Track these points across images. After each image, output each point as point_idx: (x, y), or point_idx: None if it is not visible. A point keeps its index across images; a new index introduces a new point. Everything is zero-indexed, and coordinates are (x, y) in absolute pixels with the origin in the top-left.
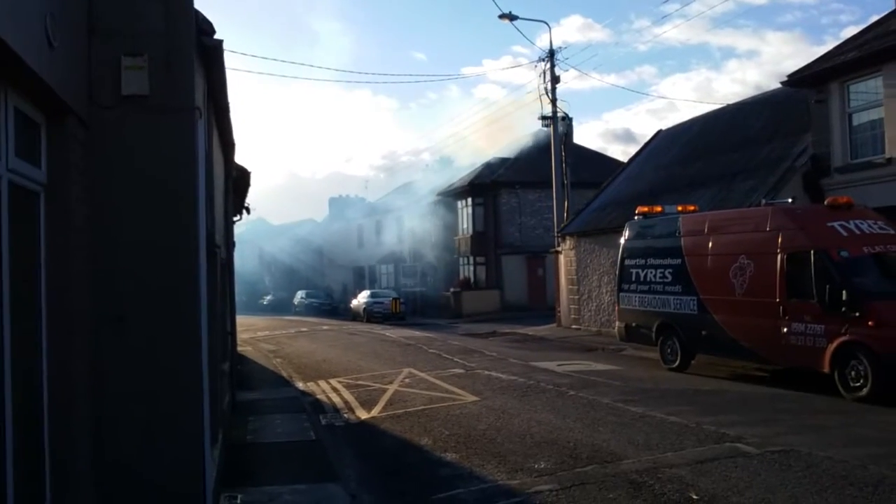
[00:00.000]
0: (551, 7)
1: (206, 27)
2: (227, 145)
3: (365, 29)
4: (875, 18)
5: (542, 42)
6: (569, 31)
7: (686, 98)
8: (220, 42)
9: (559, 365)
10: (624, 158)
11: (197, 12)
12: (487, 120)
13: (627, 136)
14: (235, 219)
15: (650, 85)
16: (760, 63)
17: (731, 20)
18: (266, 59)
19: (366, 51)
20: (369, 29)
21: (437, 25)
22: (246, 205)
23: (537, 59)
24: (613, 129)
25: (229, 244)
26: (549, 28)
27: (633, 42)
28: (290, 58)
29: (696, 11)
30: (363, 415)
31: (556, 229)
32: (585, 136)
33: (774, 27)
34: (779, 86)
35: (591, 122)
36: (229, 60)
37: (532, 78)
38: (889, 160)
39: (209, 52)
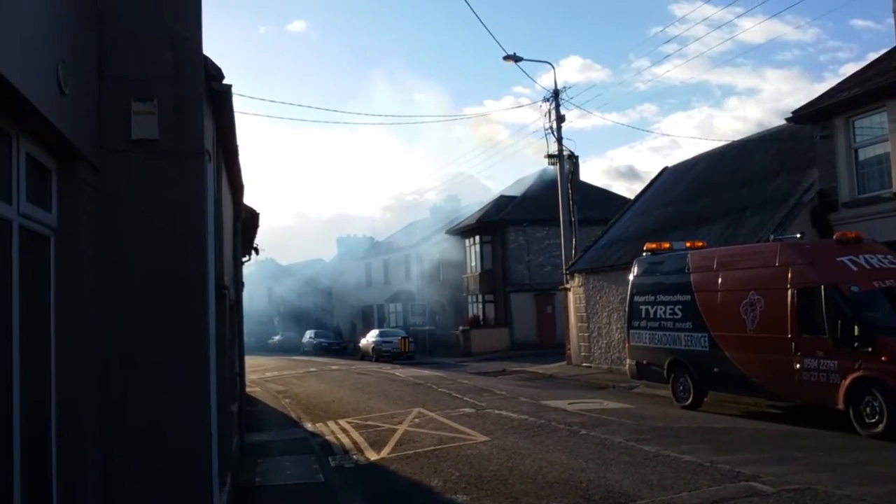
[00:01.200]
0: (550, 48)
1: (214, 73)
2: (236, 187)
3: (365, 68)
4: (873, 55)
5: (543, 82)
6: (568, 71)
7: (689, 136)
8: (228, 87)
9: (570, 403)
10: (628, 195)
11: (206, 58)
12: (492, 159)
13: (631, 174)
14: (244, 259)
15: (652, 123)
16: (761, 100)
17: (729, 59)
18: (272, 101)
19: (367, 92)
20: (369, 68)
21: (438, 67)
22: (254, 245)
23: (542, 98)
24: (617, 166)
25: (238, 285)
26: (554, 69)
27: (633, 82)
28: (294, 100)
29: (695, 51)
30: (372, 456)
31: (564, 266)
32: (589, 173)
33: (773, 65)
34: (781, 122)
35: (594, 159)
36: (236, 103)
37: (535, 117)
38: None
39: (218, 97)
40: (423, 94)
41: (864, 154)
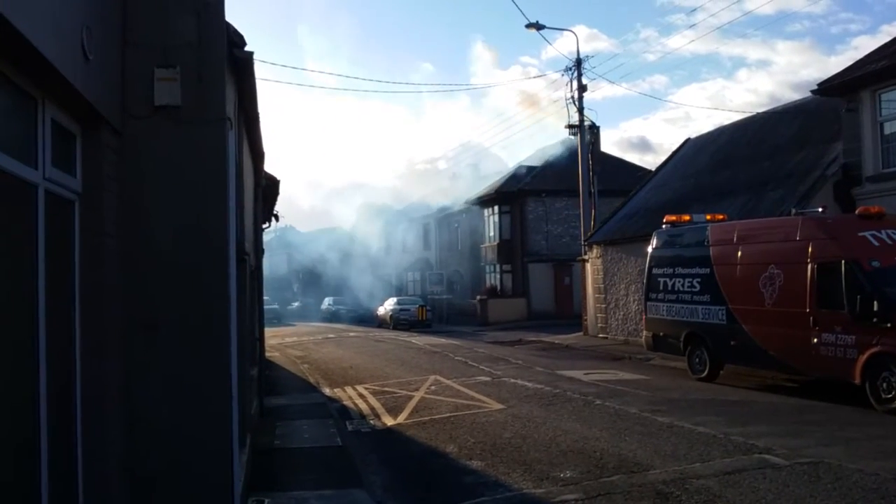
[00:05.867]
0: (556, 16)
1: (237, 39)
2: (257, 155)
3: (371, 39)
4: (886, 27)
5: (551, 53)
6: (572, 41)
7: (702, 106)
8: (250, 54)
9: (586, 374)
10: (641, 166)
11: (228, 24)
12: (506, 130)
13: (644, 145)
14: (264, 226)
15: (663, 94)
16: (772, 73)
17: (739, 31)
18: (276, 65)
19: (373, 61)
20: (375, 39)
21: (444, 36)
22: (275, 212)
23: (551, 68)
24: (629, 137)
25: (258, 251)
26: (577, 38)
27: (641, 52)
28: (298, 65)
29: (704, 21)
30: (389, 421)
31: (582, 237)
32: (602, 144)
33: (784, 37)
34: (793, 94)
35: (606, 130)
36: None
37: (546, 88)
38: None
39: (240, 64)
40: (427, 63)
41: (891, 128)
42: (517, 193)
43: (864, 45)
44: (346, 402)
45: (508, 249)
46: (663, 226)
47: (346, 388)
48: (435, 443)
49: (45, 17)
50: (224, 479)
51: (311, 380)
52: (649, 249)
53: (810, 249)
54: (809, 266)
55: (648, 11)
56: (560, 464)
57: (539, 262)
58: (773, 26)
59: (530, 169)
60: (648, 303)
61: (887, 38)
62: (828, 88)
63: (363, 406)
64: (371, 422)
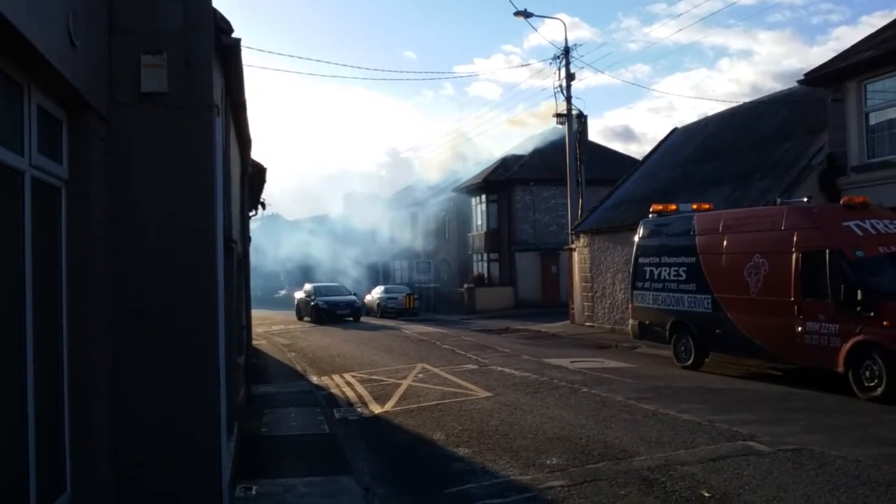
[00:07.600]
0: (535, 5)
1: (224, 26)
2: (244, 142)
3: (353, 27)
4: (866, 18)
5: (534, 41)
6: (555, 29)
7: (686, 95)
8: (237, 41)
9: (572, 362)
10: (627, 156)
11: (215, 11)
12: (488, 117)
13: (627, 134)
14: (251, 214)
15: (646, 84)
16: (754, 63)
17: (720, 20)
18: (263, 51)
19: (354, 49)
20: (358, 27)
21: (426, 24)
22: (261, 200)
23: (534, 57)
24: (612, 126)
25: (245, 239)
26: (565, 26)
27: (624, 42)
28: (275, 50)
29: (686, 12)
30: (377, 409)
31: (570, 227)
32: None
33: (765, 27)
34: (775, 84)
35: (590, 119)
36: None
37: (526, 77)
38: None
39: (227, 51)
40: (410, 52)
41: (876, 118)
42: (505, 182)
43: (845, 36)
44: (334, 390)
45: (496, 238)
46: (650, 215)
47: (333, 376)
48: (422, 430)
49: (32, 3)
50: (211, 467)
51: (299, 368)
52: (636, 238)
53: (795, 239)
54: (794, 255)
55: (629, 0)
56: (546, 451)
57: (526, 250)
58: (755, 16)
59: (518, 157)
60: (635, 291)
61: (867, 29)
62: (814, 78)
63: (351, 394)
64: (359, 409)
